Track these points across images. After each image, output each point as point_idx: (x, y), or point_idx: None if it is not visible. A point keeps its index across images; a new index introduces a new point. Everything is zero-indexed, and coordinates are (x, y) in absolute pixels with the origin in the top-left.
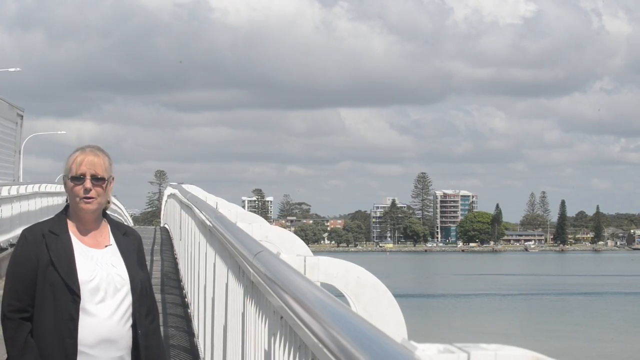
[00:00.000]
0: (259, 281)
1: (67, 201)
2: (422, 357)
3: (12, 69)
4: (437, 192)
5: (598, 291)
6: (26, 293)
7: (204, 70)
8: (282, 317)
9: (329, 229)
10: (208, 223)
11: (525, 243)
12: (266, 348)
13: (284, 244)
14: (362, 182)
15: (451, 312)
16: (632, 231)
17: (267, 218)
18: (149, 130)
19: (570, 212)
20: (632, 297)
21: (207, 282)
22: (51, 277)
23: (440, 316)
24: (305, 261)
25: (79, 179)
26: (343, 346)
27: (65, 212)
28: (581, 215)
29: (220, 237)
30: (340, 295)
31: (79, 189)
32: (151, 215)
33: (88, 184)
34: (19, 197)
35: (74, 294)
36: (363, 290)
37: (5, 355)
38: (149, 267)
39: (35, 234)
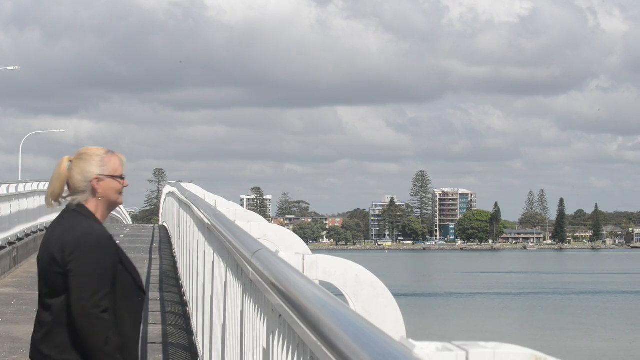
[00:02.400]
0: (258, 279)
1: (74, 202)
2: (421, 355)
3: (11, 68)
4: (435, 190)
5: (597, 289)
6: (110, 293)
7: (201, 68)
8: (280, 316)
9: (327, 227)
10: (207, 221)
11: (524, 242)
12: (265, 346)
13: (282, 242)
14: (360, 180)
15: (450, 311)
16: (630, 229)
17: (265, 216)
18: (147, 128)
19: (569, 211)
20: (631, 295)
21: (205, 281)
22: (123, 278)
23: (439, 315)
24: (303, 259)
25: (122, 177)
26: (342, 344)
27: (86, 214)
28: (580, 213)
29: (218, 236)
30: (339, 294)
31: (120, 187)
32: (150, 214)
33: (127, 182)
34: (18, 196)
35: (142, 293)
36: (361, 288)
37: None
38: (147, 266)
39: (107, 235)
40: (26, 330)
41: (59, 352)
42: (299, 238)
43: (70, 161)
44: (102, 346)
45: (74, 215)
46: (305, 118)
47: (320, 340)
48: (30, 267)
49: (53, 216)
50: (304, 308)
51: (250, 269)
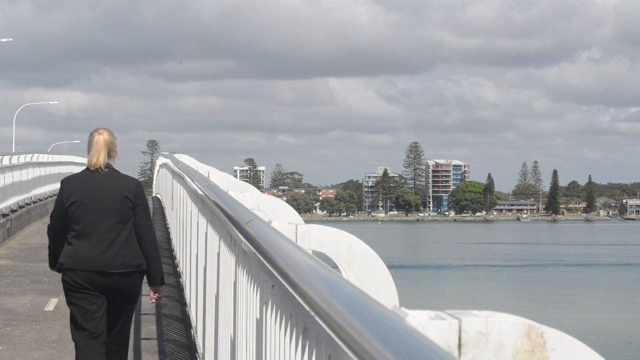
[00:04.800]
0: (251, 250)
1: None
2: (413, 324)
3: (4, 40)
4: (429, 161)
5: (590, 261)
6: None
7: (192, 40)
8: (273, 286)
9: (321, 198)
10: (200, 192)
11: (518, 213)
12: (258, 317)
13: (275, 213)
14: (352, 151)
15: (443, 282)
16: (624, 201)
17: (259, 188)
18: (139, 100)
19: (563, 182)
20: (624, 267)
21: (199, 252)
22: None
23: (432, 286)
24: (296, 229)
25: None
26: (334, 313)
27: (117, 170)
28: (573, 185)
29: (211, 206)
30: (332, 264)
31: None
32: (143, 185)
33: None
34: (12, 167)
35: None
36: (354, 258)
37: None
38: None
39: None
40: (20, 302)
41: (133, 257)
42: (292, 208)
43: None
44: (159, 251)
45: (114, 171)
46: (296, 89)
47: (312, 309)
48: (24, 239)
49: (47, 187)
50: (296, 278)
51: (243, 239)
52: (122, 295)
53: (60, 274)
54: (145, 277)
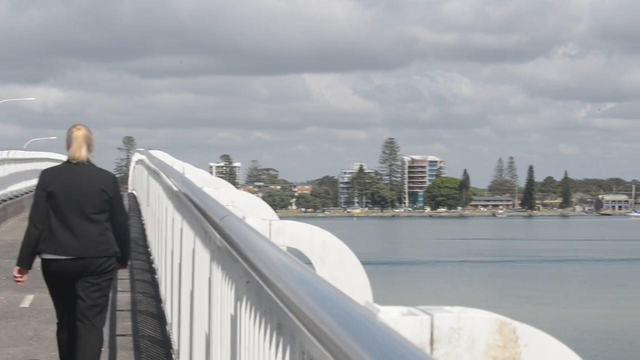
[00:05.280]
0: (225, 246)
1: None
2: (385, 320)
3: None
4: (405, 157)
5: (566, 257)
6: None
7: (168, 36)
8: (248, 282)
9: (296, 194)
10: (175, 188)
11: (493, 209)
12: (232, 313)
13: (250, 209)
14: (328, 147)
15: (418, 278)
16: (600, 197)
17: (235, 184)
18: (115, 96)
19: (538, 178)
20: (600, 263)
21: (174, 248)
22: None
23: (407, 282)
24: (270, 225)
25: None
26: (307, 309)
27: (94, 165)
28: (549, 180)
29: (187, 202)
30: (307, 261)
31: None
32: (119, 182)
33: None
34: None
35: None
36: (328, 254)
37: None
38: None
39: None
40: None
41: (109, 245)
42: (267, 204)
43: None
44: (130, 240)
45: (91, 165)
46: (272, 85)
47: (286, 306)
48: (0, 236)
49: (23, 184)
50: (270, 274)
51: (217, 235)
52: (98, 279)
53: (40, 267)
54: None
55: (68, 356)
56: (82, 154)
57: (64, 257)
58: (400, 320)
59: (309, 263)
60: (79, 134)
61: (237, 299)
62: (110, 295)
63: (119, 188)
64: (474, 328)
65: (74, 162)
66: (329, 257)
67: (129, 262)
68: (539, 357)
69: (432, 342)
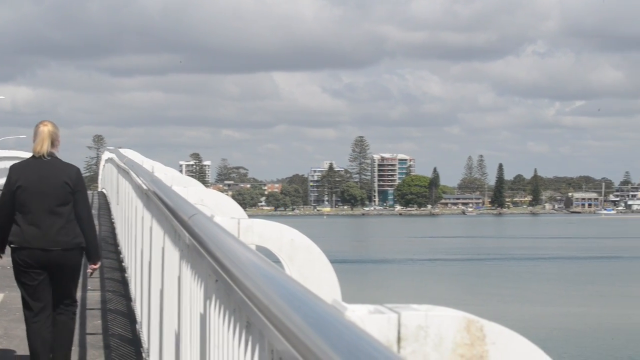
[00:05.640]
0: (194, 244)
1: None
2: (352, 318)
3: None
4: (374, 155)
5: (535, 254)
6: None
7: (137, 35)
8: (217, 281)
9: (266, 193)
10: (144, 187)
11: (463, 207)
12: (202, 312)
13: (219, 207)
14: (298, 146)
15: (388, 276)
16: (570, 194)
17: (204, 182)
18: (85, 95)
19: (508, 176)
20: (569, 260)
21: (144, 246)
22: None
23: (377, 280)
24: (239, 224)
25: None
26: (275, 308)
27: (59, 158)
28: (519, 178)
29: (156, 201)
30: (276, 259)
31: None
32: (89, 180)
33: None
34: None
35: None
36: (297, 252)
37: None
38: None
39: None
40: None
41: (73, 236)
42: (236, 203)
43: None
44: (96, 231)
45: (56, 159)
46: (241, 84)
47: (254, 304)
48: None
49: None
50: (238, 272)
51: (186, 233)
52: (65, 269)
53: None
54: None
55: (39, 347)
56: (43, 148)
57: (31, 248)
58: (368, 318)
59: (277, 261)
60: (44, 129)
61: (207, 297)
62: (80, 293)
63: (83, 181)
64: (441, 326)
65: (37, 156)
66: (298, 255)
67: (99, 261)
68: (506, 355)
69: (399, 340)
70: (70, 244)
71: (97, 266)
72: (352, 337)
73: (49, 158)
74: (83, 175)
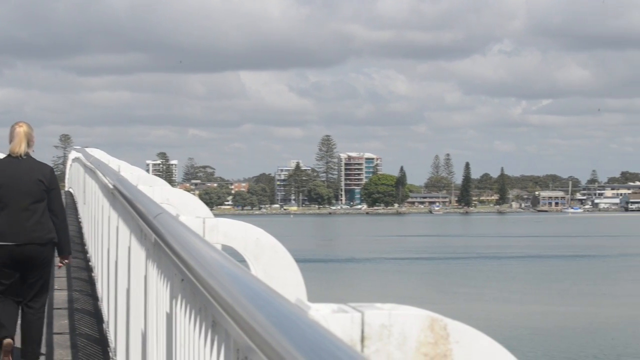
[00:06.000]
0: (160, 244)
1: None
2: (316, 317)
3: None
4: (341, 154)
5: (502, 253)
6: None
7: (103, 34)
8: (183, 280)
9: (233, 192)
10: (110, 186)
11: (430, 206)
12: (168, 311)
13: (185, 207)
14: (265, 145)
15: (354, 275)
16: (537, 193)
17: (171, 181)
18: (51, 94)
19: (475, 174)
20: (535, 259)
21: (110, 246)
22: None
23: (343, 279)
24: (204, 223)
25: None
26: (239, 307)
27: (34, 158)
28: (486, 177)
29: (122, 200)
30: (242, 259)
31: None
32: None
33: None
34: None
35: None
36: (262, 251)
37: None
38: None
39: None
40: None
41: (47, 231)
42: (201, 202)
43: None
44: (68, 227)
45: (31, 158)
46: (208, 83)
47: (218, 303)
48: None
49: None
50: (202, 272)
51: (152, 233)
52: (38, 263)
53: None
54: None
55: (4, 319)
56: (21, 148)
57: (6, 244)
58: (331, 317)
59: (243, 261)
60: (20, 130)
61: (173, 297)
62: (47, 293)
63: (56, 180)
64: (404, 325)
65: (13, 155)
66: (263, 254)
67: (70, 256)
68: (470, 354)
69: (363, 340)
70: (44, 239)
71: (68, 260)
72: (315, 336)
73: (25, 157)
74: None
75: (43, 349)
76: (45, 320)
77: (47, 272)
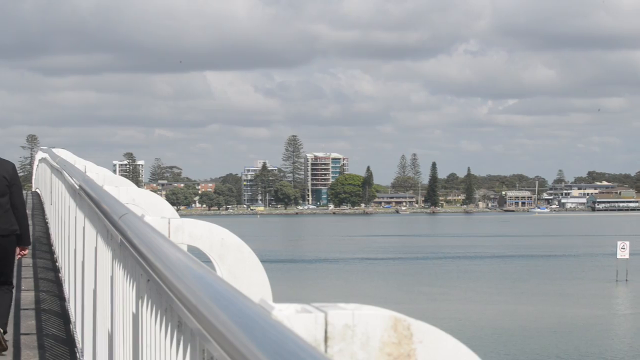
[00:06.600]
0: (125, 244)
1: None
2: (279, 317)
3: None
4: (307, 154)
5: (468, 253)
6: None
7: (69, 34)
8: (148, 280)
9: (200, 192)
10: (76, 187)
11: (397, 206)
12: (134, 311)
13: (150, 207)
14: (231, 145)
15: (320, 276)
16: (503, 193)
17: (138, 182)
18: (18, 94)
19: (442, 174)
20: (502, 259)
21: (77, 246)
22: None
23: (309, 280)
24: (169, 223)
25: None
26: (203, 307)
27: None
28: (452, 177)
29: (88, 201)
30: (207, 259)
31: None
32: (23, 180)
33: None
34: None
35: None
36: (227, 251)
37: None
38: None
39: None
40: None
41: (10, 223)
42: (167, 202)
43: None
44: (28, 220)
45: None
46: (174, 83)
47: (183, 304)
48: None
49: None
50: (167, 272)
51: (118, 233)
52: (2, 253)
53: None
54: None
55: None
56: None
57: None
58: (295, 317)
59: (208, 261)
60: None
61: (139, 297)
62: (14, 293)
63: (17, 176)
64: (368, 325)
65: None
66: (228, 254)
67: (29, 246)
68: (433, 353)
69: (326, 340)
70: (7, 231)
71: (26, 251)
72: (278, 336)
73: None
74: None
75: (9, 351)
76: (9, 321)
77: (10, 261)
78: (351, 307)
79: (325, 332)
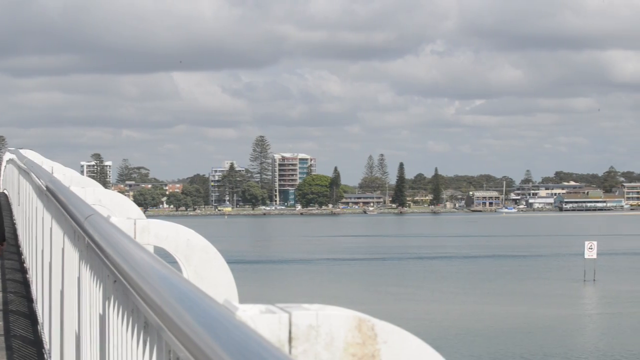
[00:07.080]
0: (92, 245)
1: None
2: (243, 318)
3: None
4: (275, 155)
5: (435, 253)
6: None
7: (37, 35)
8: (115, 281)
9: (167, 193)
10: (44, 188)
11: (364, 206)
12: (101, 312)
13: (117, 208)
14: (198, 145)
15: (286, 276)
16: (471, 193)
17: (106, 183)
18: None
19: (409, 175)
20: (468, 259)
21: (44, 247)
22: None
23: (276, 280)
24: (135, 224)
25: None
26: (167, 308)
27: None
28: (420, 177)
29: (54, 202)
30: (173, 260)
31: None
32: None
33: None
34: None
35: None
36: (193, 252)
37: None
38: None
39: None
40: None
41: None
42: (133, 203)
43: None
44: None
45: None
46: (141, 84)
47: (149, 305)
48: None
49: None
50: (132, 273)
51: (84, 234)
52: None
53: None
54: None
55: None
56: None
57: None
58: (259, 318)
59: (174, 262)
60: None
61: (105, 298)
62: None
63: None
64: (332, 325)
65: None
66: (194, 255)
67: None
68: (397, 354)
69: (290, 340)
70: None
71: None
72: (242, 337)
73: None
74: None
75: None
76: None
77: None
78: (315, 307)
79: (290, 332)
